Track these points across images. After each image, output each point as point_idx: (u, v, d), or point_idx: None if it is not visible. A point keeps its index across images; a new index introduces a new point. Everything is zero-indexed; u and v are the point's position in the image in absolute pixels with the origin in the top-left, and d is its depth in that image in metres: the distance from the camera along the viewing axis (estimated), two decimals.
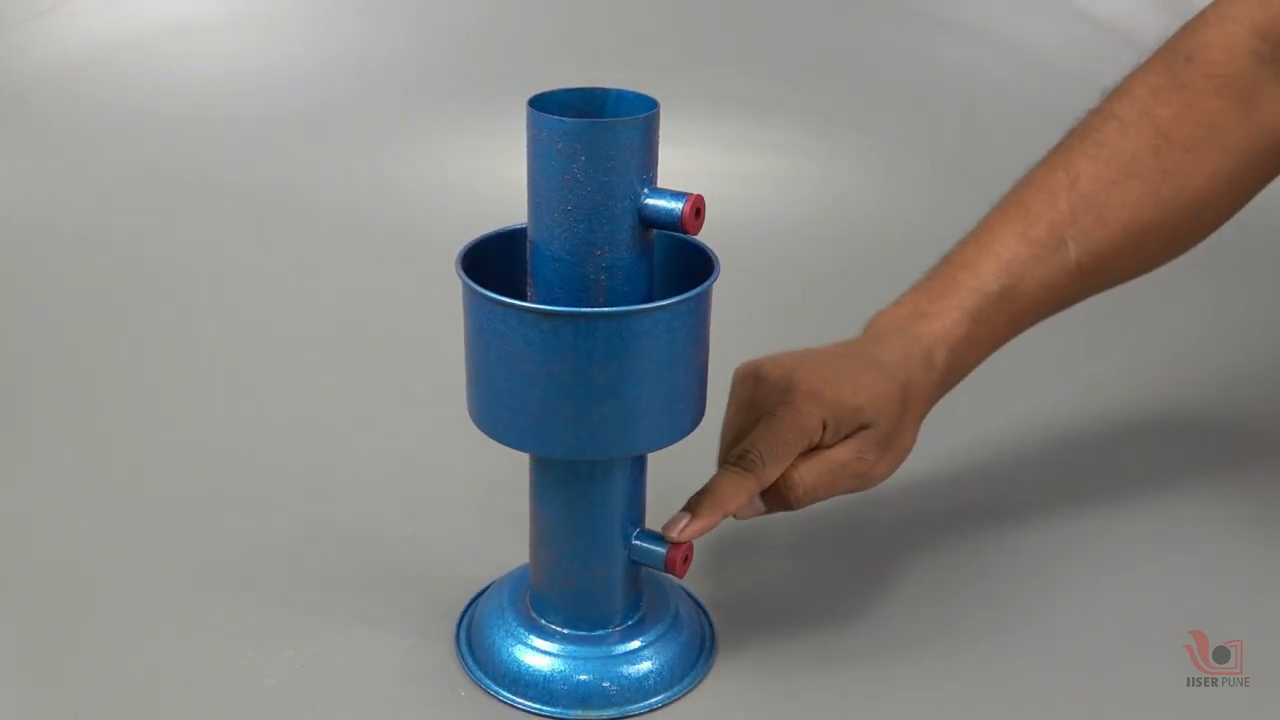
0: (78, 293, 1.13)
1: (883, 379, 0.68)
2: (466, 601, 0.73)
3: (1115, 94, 0.75)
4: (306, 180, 1.27)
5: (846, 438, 0.68)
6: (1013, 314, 0.73)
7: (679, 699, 0.66)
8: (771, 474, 0.66)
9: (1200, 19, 0.74)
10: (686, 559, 0.65)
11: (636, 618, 0.68)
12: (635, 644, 0.66)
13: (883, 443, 0.69)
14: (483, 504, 0.82)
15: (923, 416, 0.72)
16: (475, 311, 0.59)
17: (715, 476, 0.66)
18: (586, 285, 0.58)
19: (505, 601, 0.69)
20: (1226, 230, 0.77)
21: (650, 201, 0.58)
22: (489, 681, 0.67)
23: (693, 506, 0.65)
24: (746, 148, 1.31)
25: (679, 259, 0.64)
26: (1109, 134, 0.73)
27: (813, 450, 0.67)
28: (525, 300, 0.60)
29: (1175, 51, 0.74)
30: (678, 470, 0.75)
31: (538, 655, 0.66)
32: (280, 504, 0.82)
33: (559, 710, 0.65)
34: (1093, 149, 0.73)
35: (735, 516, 0.67)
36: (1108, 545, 0.80)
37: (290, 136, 1.30)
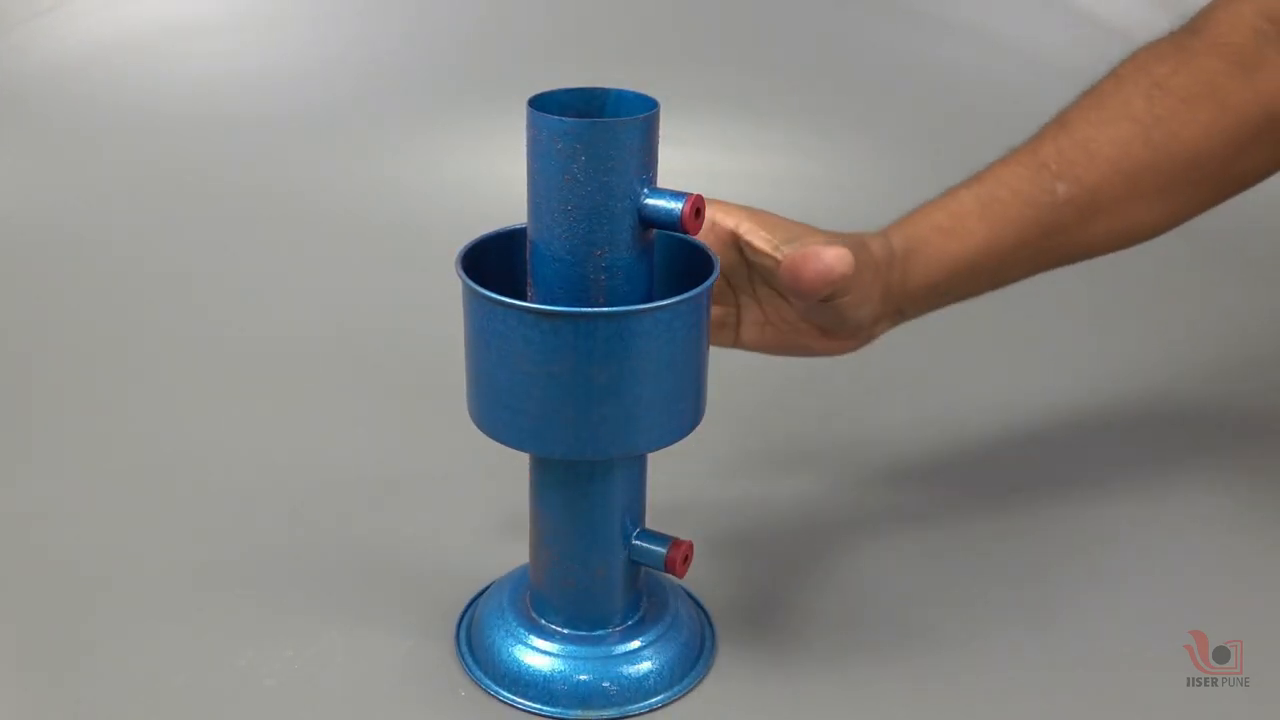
0: (78, 293, 1.13)
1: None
2: (466, 601, 0.73)
3: (1118, 63, 0.74)
4: (307, 180, 1.28)
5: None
6: (991, 222, 0.70)
7: (679, 699, 0.66)
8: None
9: (1210, 5, 0.75)
10: (686, 559, 0.65)
11: (636, 618, 0.68)
12: (635, 644, 0.66)
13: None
14: (483, 504, 0.82)
15: (883, 294, 0.68)
16: (475, 311, 0.60)
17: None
18: (586, 285, 0.58)
19: (505, 601, 0.69)
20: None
21: (650, 201, 0.58)
22: (489, 681, 0.67)
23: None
24: (746, 148, 1.31)
25: (679, 259, 0.64)
26: (1103, 87, 0.73)
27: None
28: (525, 300, 0.60)
29: (1182, 28, 0.75)
30: (678, 470, 0.75)
31: (538, 655, 0.66)
32: (280, 504, 0.82)
33: (559, 710, 0.65)
34: (1085, 101, 0.73)
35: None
36: (1108, 545, 0.80)
37: (290, 136, 1.30)
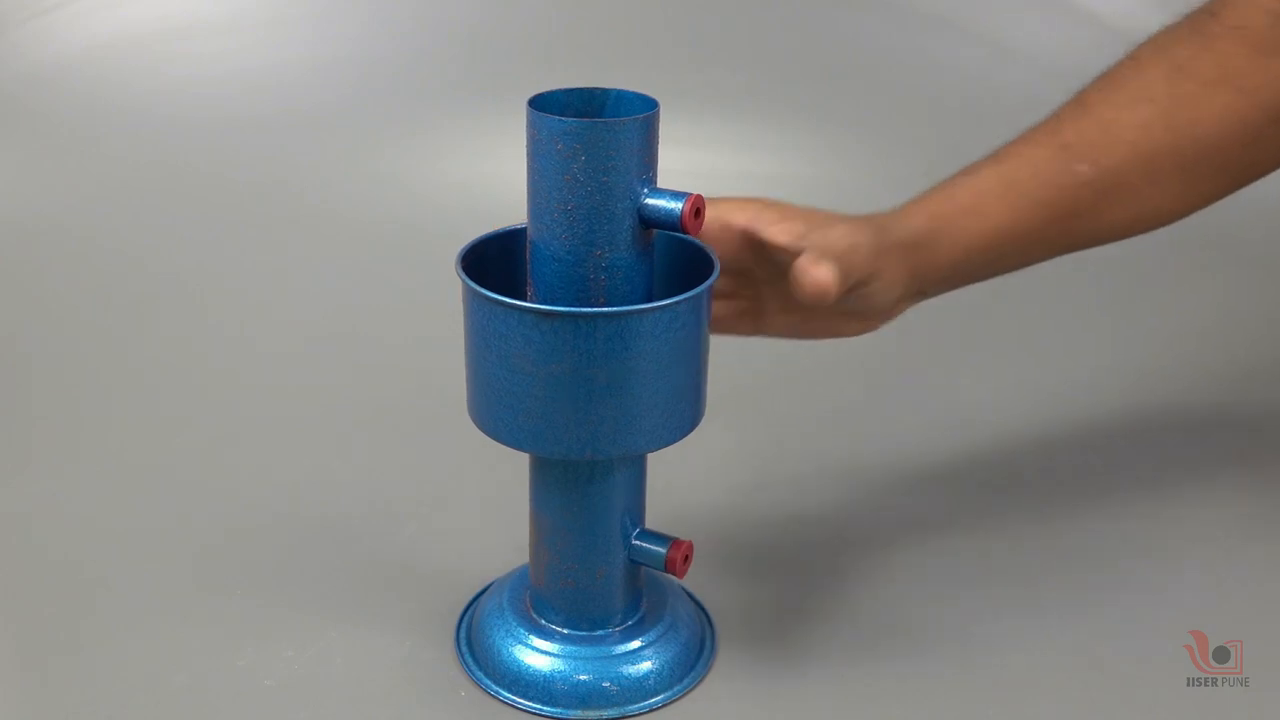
0: (78, 293, 1.13)
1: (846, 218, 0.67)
2: (466, 601, 0.73)
3: (1136, 46, 0.74)
4: (307, 180, 1.28)
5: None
6: (1013, 202, 0.69)
7: (679, 699, 0.66)
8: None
9: None
10: (686, 559, 0.65)
11: (636, 618, 0.68)
12: (635, 644, 0.66)
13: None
14: (483, 504, 0.82)
15: (908, 275, 0.67)
16: (475, 311, 0.60)
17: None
18: (586, 285, 0.58)
19: (505, 601, 0.69)
20: (1243, 228, 0.77)
21: (650, 201, 0.58)
22: (489, 681, 0.67)
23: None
24: (746, 148, 1.31)
25: (679, 259, 0.64)
26: (1123, 70, 0.73)
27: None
28: (525, 300, 0.60)
29: (1199, 10, 0.74)
30: (678, 470, 0.75)
31: (538, 655, 0.66)
32: (281, 504, 0.82)
33: (559, 710, 0.65)
34: (1103, 83, 0.72)
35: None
36: (1108, 545, 0.80)
37: (290, 136, 1.30)
